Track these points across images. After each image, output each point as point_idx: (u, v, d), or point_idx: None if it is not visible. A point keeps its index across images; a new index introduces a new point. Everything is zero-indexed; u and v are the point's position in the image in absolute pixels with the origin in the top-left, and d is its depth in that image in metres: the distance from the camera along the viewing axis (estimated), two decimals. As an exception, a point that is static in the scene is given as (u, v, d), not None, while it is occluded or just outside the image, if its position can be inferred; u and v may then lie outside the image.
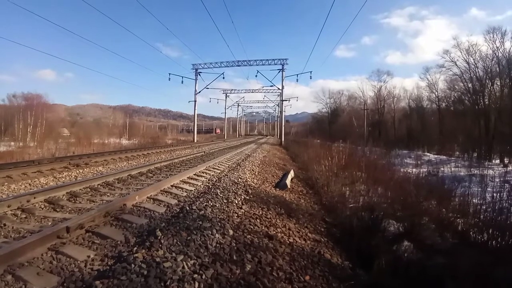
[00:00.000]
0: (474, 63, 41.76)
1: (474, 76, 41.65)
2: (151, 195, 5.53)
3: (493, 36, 39.55)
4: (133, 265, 2.66)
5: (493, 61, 39.98)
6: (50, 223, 4.09)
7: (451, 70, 45.19)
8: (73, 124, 65.03)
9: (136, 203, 4.97)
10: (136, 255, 2.86)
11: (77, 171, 8.69)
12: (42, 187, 6.46)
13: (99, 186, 6.44)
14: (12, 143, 31.41)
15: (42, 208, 4.80)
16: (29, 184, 6.76)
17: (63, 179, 7.52)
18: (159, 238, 3.30)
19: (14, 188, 6.34)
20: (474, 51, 41.60)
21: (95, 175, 8.02)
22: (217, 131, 59.98)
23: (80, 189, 5.92)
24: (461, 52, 42.82)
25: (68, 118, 74.18)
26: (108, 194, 5.90)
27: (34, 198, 4.95)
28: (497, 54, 39.57)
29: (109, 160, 11.51)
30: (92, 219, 3.83)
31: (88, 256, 2.99)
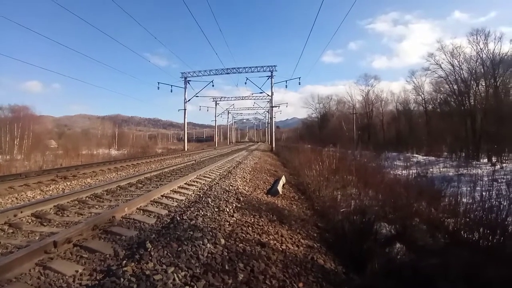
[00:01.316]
0: (458, 65, 42.53)
1: (459, 78, 42.43)
2: (141, 206, 5.45)
3: (477, 38, 40.44)
4: (122, 279, 2.60)
5: (477, 63, 40.82)
6: (37, 238, 3.99)
7: (436, 73, 45.92)
8: (61, 135, 64.15)
9: (126, 214, 4.90)
10: (126, 268, 2.80)
11: (65, 184, 8.54)
12: (29, 201, 6.32)
13: (87, 198, 6.33)
14: (-1, 156, 30.83)
15: (29, 223, 4.69)
16: (16, 198, 6.62)
17: (51, 192, 7.38)
18: (149, 250, 3.24)
19: (0, 202, 6.20)
20: (458, 53, 42.39)
21: (83, 187, 7.90)
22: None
23: (67, 202, 5.81)
24: (445, 55, 43.63)
25: (55, 130, 73.21)
26: (96, 206, 5.80)
27: (21, 212, 4.84)
28: (481, 56, 40.45)
29: (97, 171, 11.34)
30: (80, 233, 3.75)
31: (76, 271, 2.92)
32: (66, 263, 3.13)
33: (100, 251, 3.41)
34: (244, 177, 9.83)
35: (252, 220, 5.13)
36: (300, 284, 3.20)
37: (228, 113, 65.68)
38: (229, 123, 74.05)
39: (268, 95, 37.77)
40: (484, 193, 6.37)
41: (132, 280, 2.59)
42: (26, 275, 2.84)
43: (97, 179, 9.62)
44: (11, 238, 4.03)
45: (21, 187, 7.71)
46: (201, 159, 17.22)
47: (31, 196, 6.93)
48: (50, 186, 8.06)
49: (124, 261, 3.01)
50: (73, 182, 8.94)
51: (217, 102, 52.12)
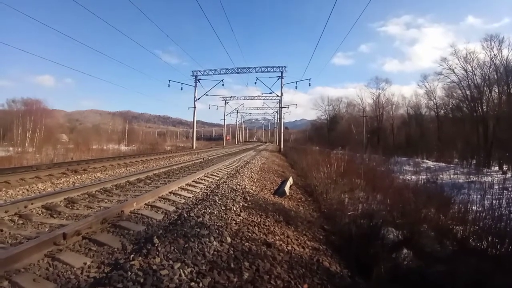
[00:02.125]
0: (472, 71, 42.03)
1: (472, 84, 41.88)
2: (149, 202, 5.50)
3: (491, 43, 39.94)
4: (129, 273, 2.63)
5: (490, 69, 40.30)
6: (47, 229, 4.05)
7: (449, 78, 45.48)
8: (72, 130, 65.18)
9: (134, 209, 4.94)
10: (133, 262, 2.84)
11: (75, 177, 8.65)
12: (39, 193, 6.42)
13: (97, 192, 6.41)
14: (11, 148, 31.39)
15: (39, 214, 4.77)
16: (27, 190, 6.72)
17: (61, 185, 7.48)
18: (156, 245, 3.27)
19: (11, 193, 6.30)
20: (471, 59, 41.90)
21: (93, 181, 7.99)
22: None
23: (77, 195, 5.89)
24: (458, 60, 43.18)
25: (67, 124, 74.31)
26: (105, 200, 5.87)
27: (32, 204, 4.92)
28: (494, 62, 39.92)
29: (107, 166, 11.48)
30: (89, 226, 3.80)
31: (85, 263, 2.96)
32: (74, 255, 3.18)
33: (108, 245, 3.45)
34: (251, 177, 9.84)
35: (259, 220, 5.13)
36: (305, 286, 3.19)
37: (237, 112, 65.58)
38: (237, 123, 74.15)
39: (278, 96, 37.59)
40: (494, 202, 6.30)
41: (139, 274, 2.63)
42: (35, 265, 2.88)
43: (106, 174, 9.73)
44: (21, 229, 4.10)
45: (32, 179, 7.84)
46: (209, 158, 17.27)
47: (41, 188, 7.04)
48: (61, 179, 8.18)
49: (132, 255, 3.04)
50: (83, 176, 9.05)
51: (227, 101, 52.07)
